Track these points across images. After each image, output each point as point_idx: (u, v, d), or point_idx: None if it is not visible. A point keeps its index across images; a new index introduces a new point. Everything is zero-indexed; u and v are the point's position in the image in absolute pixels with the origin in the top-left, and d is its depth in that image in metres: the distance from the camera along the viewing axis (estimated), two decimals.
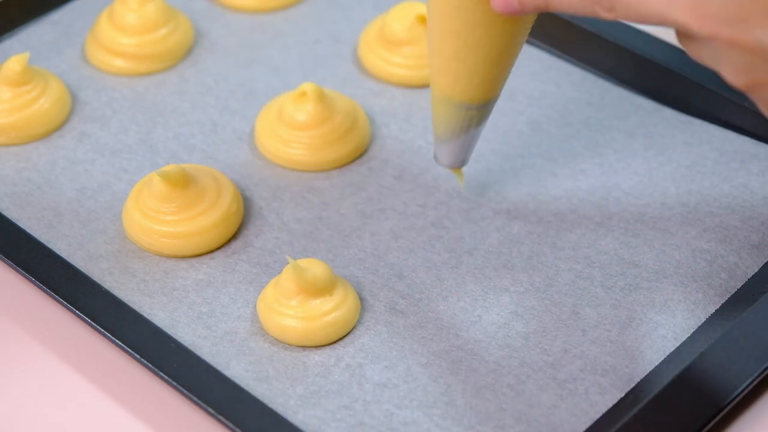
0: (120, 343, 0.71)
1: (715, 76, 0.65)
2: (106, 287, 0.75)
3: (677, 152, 0.83)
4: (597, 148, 0.83)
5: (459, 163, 0.77)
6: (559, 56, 0.91)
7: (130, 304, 0.74)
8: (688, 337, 0.72)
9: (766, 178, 0.80)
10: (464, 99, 0.72)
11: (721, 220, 0.78)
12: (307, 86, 0.83)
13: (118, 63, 0.90)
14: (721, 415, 0.67)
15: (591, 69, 0.89)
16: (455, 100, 0.72)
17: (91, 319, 0.73)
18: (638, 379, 0.69)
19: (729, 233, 0.77)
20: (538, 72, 0.89)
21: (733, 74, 0.61)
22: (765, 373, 0.68)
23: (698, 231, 0.77)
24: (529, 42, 0.90)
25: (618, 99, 0.87)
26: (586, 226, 0.78)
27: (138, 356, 0.71)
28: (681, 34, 0.62)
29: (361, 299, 0.74)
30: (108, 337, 0.72)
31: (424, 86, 0.88)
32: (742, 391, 0.67)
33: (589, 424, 0.67)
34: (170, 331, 0.73)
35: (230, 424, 0.67)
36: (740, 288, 0.74)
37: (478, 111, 0.73)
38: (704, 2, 0.59)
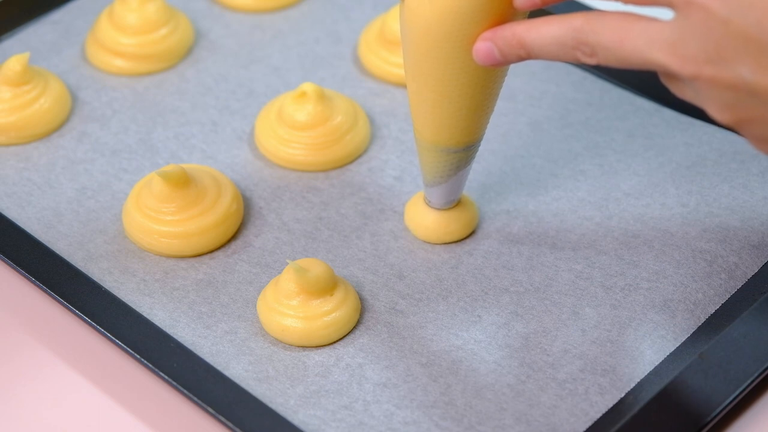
0: (120, 343, 0.71)
1: None
2: (106, 287, 0.75)
3: (677, 153, 0.83)
4: (597, 148, 0.83)
5: (450, 204, 0.77)
6: None
7: (130, 304, 0.74)
8: (688, 337, 0.72)
9: (766, 178, 0.80)
10: (450, 144, 0.72)
11: (721, 220, 0.78)
12: (307, 86, 0.83)
13: (118, 63, 0.90)
14: (721, 415, 0.67)
15: (591, 69, 0.89)
16: (441, 145, 0.72)
17: (91, 319, 0.73)
18: (638, 379, 0.69)
19: (729, 233, 0.77)
20: (538, 72, 0.89)
21: (718, 111, 0.61)
22: (765, 373, 0.68)
23: (698, 231, 0.77)
24: None
25: (618, 99, 0.87)
26: (586, 226, 0.78)
27: (138, 356, 0.71)
28: (664, 74, 0.62)
29: (361, 299, 0.74)
30: (108, 337, 0.72)
31: None
32: (743, 391, 0.67)
33: (589, 424, 0.67)
34: (170, 331, 0.72)
35: (230, 424, 0.67)
36: (740, 288, 0.74)
37: (465, 152, 0.73)
38: (684, 43, 0.59)
